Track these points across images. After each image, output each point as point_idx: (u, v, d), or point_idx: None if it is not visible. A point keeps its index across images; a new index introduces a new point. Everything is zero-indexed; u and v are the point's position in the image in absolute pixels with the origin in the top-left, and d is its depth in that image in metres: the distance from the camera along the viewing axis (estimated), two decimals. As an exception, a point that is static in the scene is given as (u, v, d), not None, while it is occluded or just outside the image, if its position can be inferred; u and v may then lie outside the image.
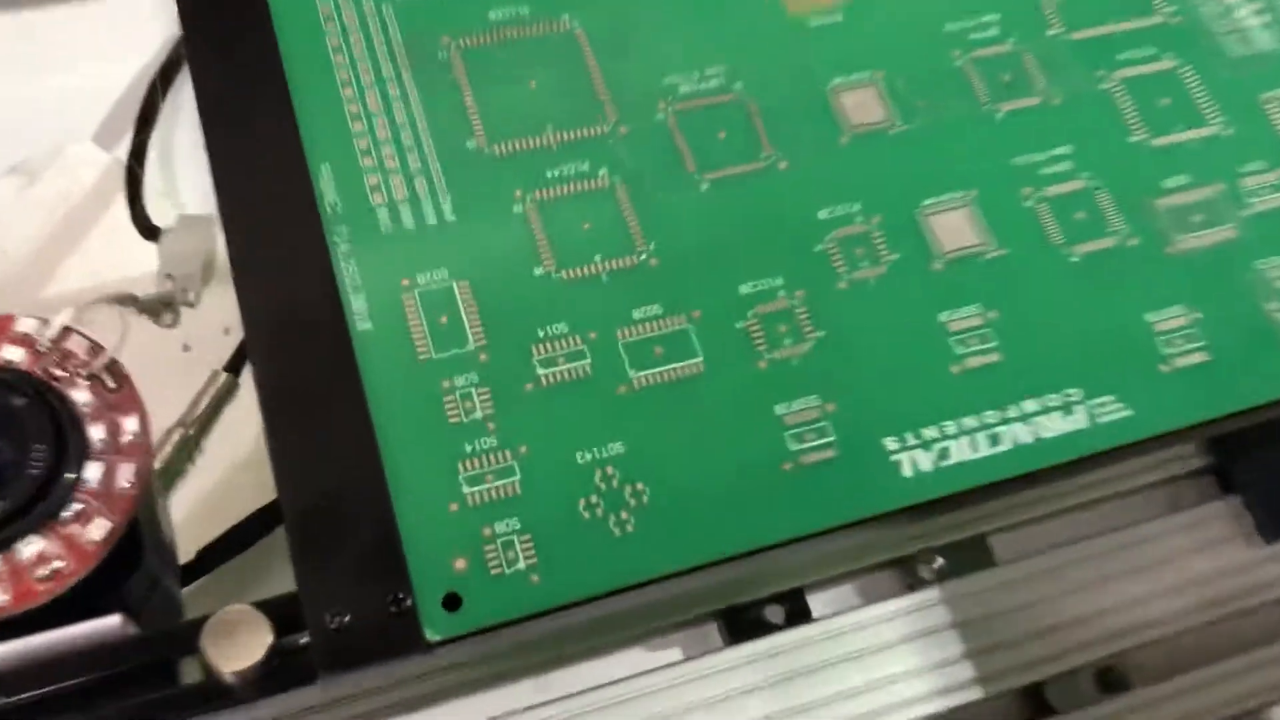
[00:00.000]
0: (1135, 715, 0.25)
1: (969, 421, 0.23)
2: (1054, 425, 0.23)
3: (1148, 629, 0.26)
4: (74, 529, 0.21)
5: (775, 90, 0.25)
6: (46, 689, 0.21)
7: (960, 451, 0.23)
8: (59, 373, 0.23)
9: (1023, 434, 0.23)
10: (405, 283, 0.23)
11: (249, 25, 0.24)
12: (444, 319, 0.22)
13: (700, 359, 0.23)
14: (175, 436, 0.29)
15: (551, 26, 0.26)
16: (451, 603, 0.20)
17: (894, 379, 0.23)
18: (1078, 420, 0.23)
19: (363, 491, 0.21)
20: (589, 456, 0.22)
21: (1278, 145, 0.26)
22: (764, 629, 0.25)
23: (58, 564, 0.21)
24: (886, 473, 0.22)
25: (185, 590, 0.26)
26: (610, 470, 0.22)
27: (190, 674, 0.21)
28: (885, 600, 0.25)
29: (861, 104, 0.25)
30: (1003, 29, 0.27)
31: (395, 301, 0.23)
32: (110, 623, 0.21)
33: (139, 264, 0.31)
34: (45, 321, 0.23)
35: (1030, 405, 0.23)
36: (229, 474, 0.29)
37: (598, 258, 0.23)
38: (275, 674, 0.20)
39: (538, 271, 0.23)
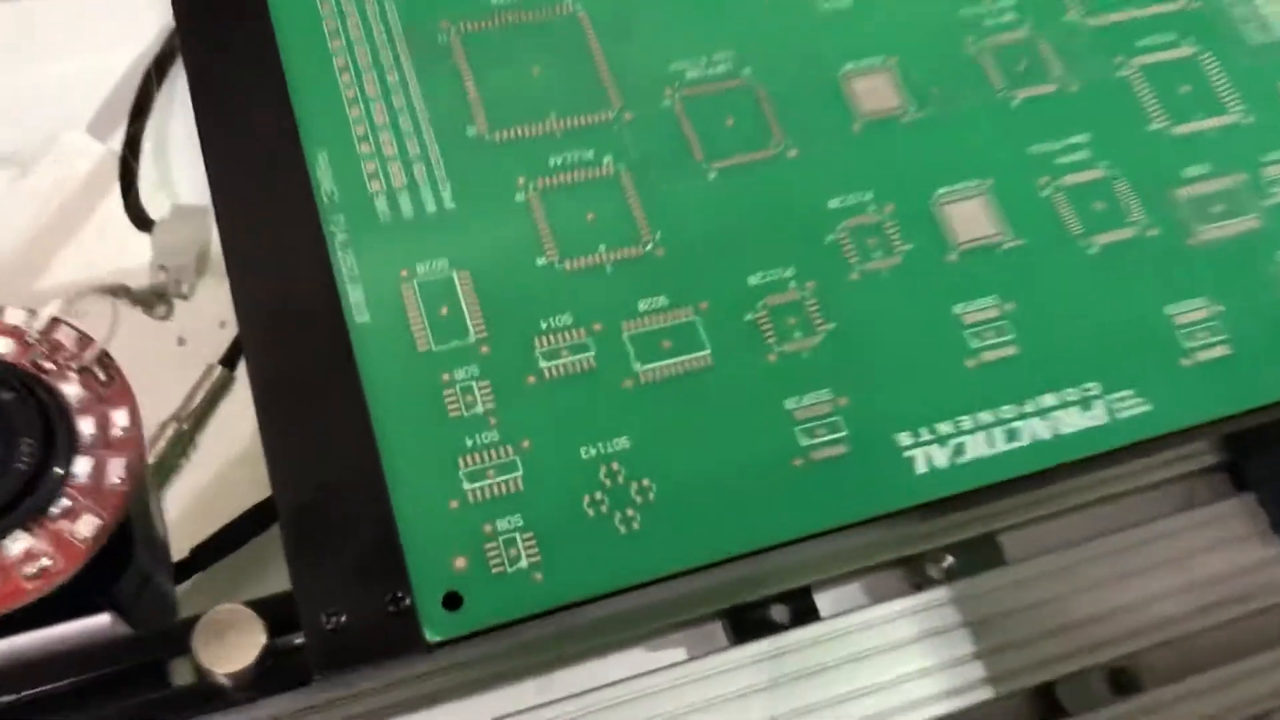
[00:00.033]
0: (1148, 717, 0.25)
1: (985, 416, 0.22)
2: (1072, 420, 0.23)
3: (1160, 629, 0.26)
4: (62, 525, 0.21)
5: (785, 76, 0.25)
6: (34, 690, 0.21)
7: (976, 447, 0.22)
8: (48, 365, 0.22)
9: (1041, 429, 0.23)
10: (404, 273, 0.22)
11: (244, 8, 0.24)
12: (444, 310, 0.22)
13: (708, 352, 0.22)
14: (169, 431, 0.29)
15: (554, 10, 0.25)
16: (452, 602, 0.20)
17: (908, 372, 0.23)
18: (1096, 415, 0.23)
19: (360, 488, 0.21)
20: (593, 452, 0.21)
21: (1300, 134, 0.26)
22: (770, 628, 0.25)
23: (45, 561, 0.21)
24: (900, 469, 0.22)
25: (179, 589, 0.26)
26: (615, 466, 0.21)
27: (182, 675, 0.21)
28: (893, 599, 0.25)
29: (874, 90, 0.25)
30: (1018, 14, 0.26)
31: (394, 292, 0.22)
32: (99, 622, 0.21)
33: (133, 256, 0.31)
34: (33, 313, 0.23)
35: (1048, 400, 0.23)
36: (224, 470, 0.29)
37: (602, 248, 0.23)
38: (269, 675, 0.20)
39: (540, 262, 0.23)
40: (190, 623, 0.20)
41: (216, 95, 0.23)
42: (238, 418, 0.29)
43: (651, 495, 0.21)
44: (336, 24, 0.24)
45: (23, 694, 0.20)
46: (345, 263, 0.22)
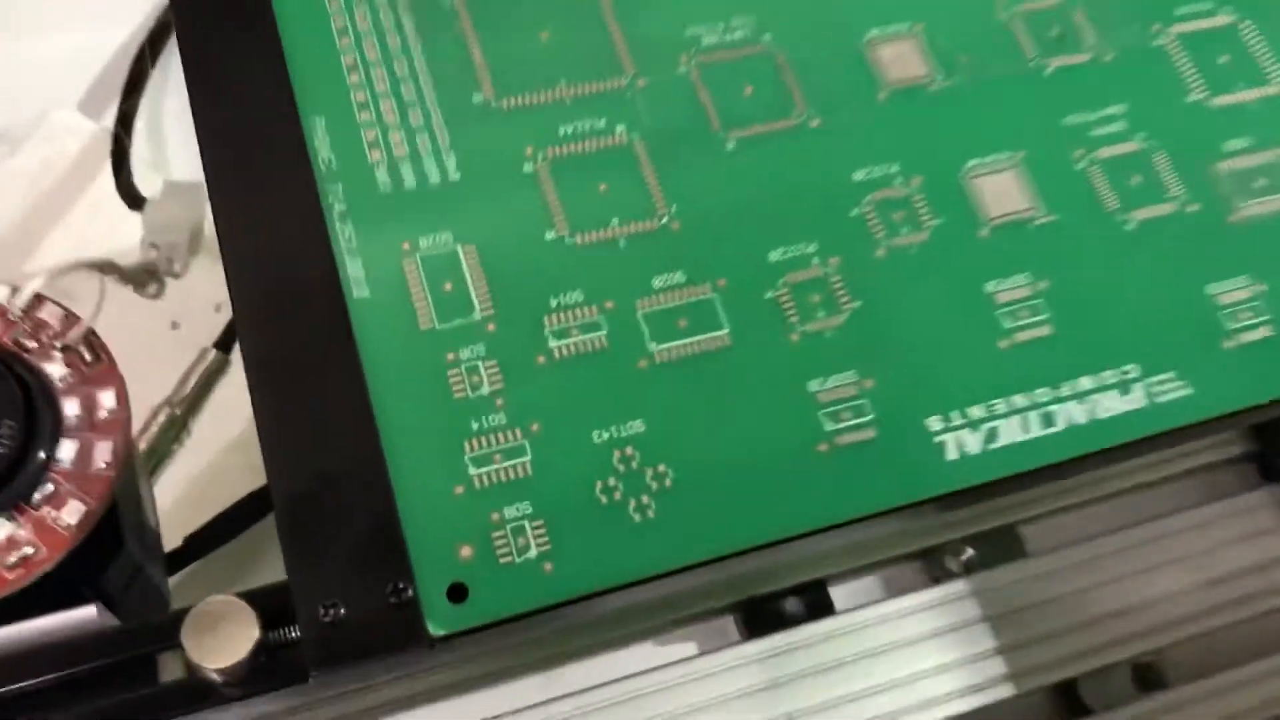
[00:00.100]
0: (1173, 714, 0.24)
1: (1019, 400, 0.22)
2: (1111, 404, 0.22)
3: (1186, 624, 0.25)
4: (46, 512, 0.21)
5: (807, 42, 0.25)
6: (14, 685, 0.20)
7: (1010, 432, 0.22)
8: (30, 344, 0.22)
9: (1077, 413, 0.22)
10: (406, 246, 0.22)
11: (238, -32, 0.23)
12: (448, 286, 0.22)
13: (726, 331, 0.22)
14: (162, 416, 0.29)
15: (565, -28, 0.25)
16: (457, 594, 0.19)
17: (937, 353, 0.22)
18: (1135, 399, 0.22)
19: (360, 473, 0.20)
20: (606, 436, 0.21)
21: (1345, 106, 0.25)
22: (784, 622, 0.24)
23: (28, 550, 0.20)
24: (930, 455, 0.21)
25: (171, 580, 0.26)
26: (629, 451, 0.21)
27: (171, 670, 0.21)
28: (911, 593, 0.25)
29: (900, 58, 0.24)
30: (1050, -22, 0.26)
31: (395, 267, 0.22)
32: (85, 614, 0.21)
33: (125, 236, 0.31)
34: (15, 289, 0.22)
35: (1085, 383, 0.22)
36: (219, 456, 0.29)
37: (615, 221, 0.23)
38: (263, 671, 0.19)
39: (550, 236, 0.22)
40: (181, 615, 0.19)
41: (209, 59, 0.23)
42: (233, 402, 0.29)
43: (667, 481, 0.21)
44: (335, -14, 0.24)
45: (3, 689, 0.20)
46: (344, 235, 0.22)
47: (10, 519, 0.21)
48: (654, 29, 0.24)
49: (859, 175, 0.23)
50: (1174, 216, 0.24)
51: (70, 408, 0.21)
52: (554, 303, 0.22)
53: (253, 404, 0.20)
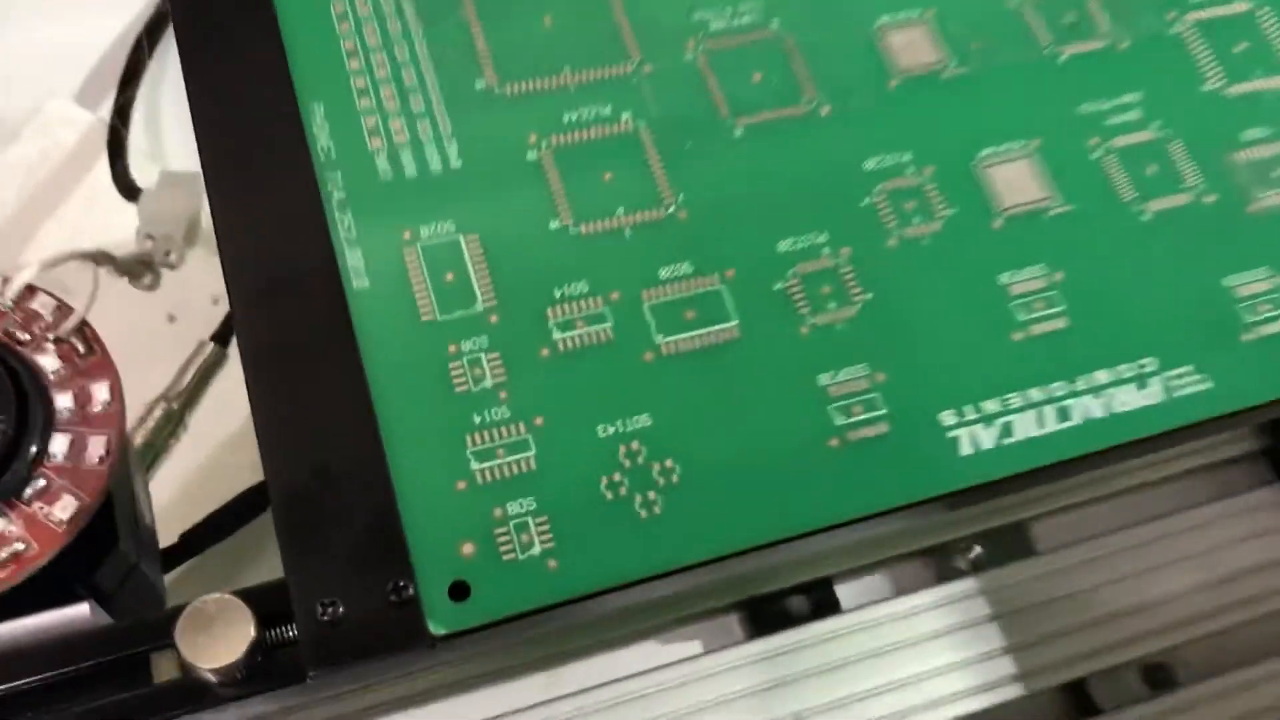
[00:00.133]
0: (1184, 714, 0.24)
1: (1034, 394, 0.22)
2: (1128, 398, 0.22)
3: (1197, 622, 0.25)
4: (38, 507, 0.21)
5: (816, 28, 0.24)
6: (4, 685, 0.20)
7: (1025, 427, 0.21)
8: (22, 335, 0.22)
9: (1094, 408, 0.22)
10: (407, 236, 0.22)
11: (235, -48, 0.23)
12: (450, 276, 0.21)
13: (735, 323, 0.22)
14: (158, 411, 0.28)
15: (568, -44, 0.25)
16: (458, 592, 0.19)
17: (951, 346, 0.22)
18: (1153, 393, 0.22)
19: (359, 468, 0.20)
20: (612, 430, 0.21)
21: (1364, 95, 0.25)
22: (789, 621, 0.24)
23: (19, 546, 0.20)
24: (943, 450, 0.21)
25: (167, 577, 0.26)
26: (635, 445, 0.20)
27: (165, 670, 0.20)
28: (918, 591, 0.25)
29: (911, 44, 0.24)
30: (1063, -35, 0.26)
31: (395, 257, 0.21)
32: (78, 612, 0.21)
33: (121, 228, 0.31)
34: (6, 280, 0.22)
35: (1102, 376, 0.22)
36: (216, 452, 0.29)
37: (620, 210, 0.22)
38: (259, 671, 0.19)
39: (554, 225, 0.22)
40: (175, 614, 0.19)
41: (206, 46, 0.23)
42: (230, 397, 0.28)
43: (675, 477, 0.20)
44: (335, -31, 0.24)
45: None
46: (343, 224, 0.22)
47: (1, 514, 0.20)
48: (660, 14, 0.24)
49: (870, 164, 0.23)
50: (1191, 207, 0.23)
51: (63, 401, 0.21)
52: (558, 294, 0.21)
53: (249, 397, 0.20)
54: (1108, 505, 0.26)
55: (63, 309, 0.22)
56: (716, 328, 0.21)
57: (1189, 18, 0.25)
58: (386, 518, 0.19)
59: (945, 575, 0.25)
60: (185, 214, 0.29)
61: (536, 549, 0.20)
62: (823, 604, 0.25)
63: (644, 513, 0.20)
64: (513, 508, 0.20)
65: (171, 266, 0.27)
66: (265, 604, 0.19)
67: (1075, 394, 0.22)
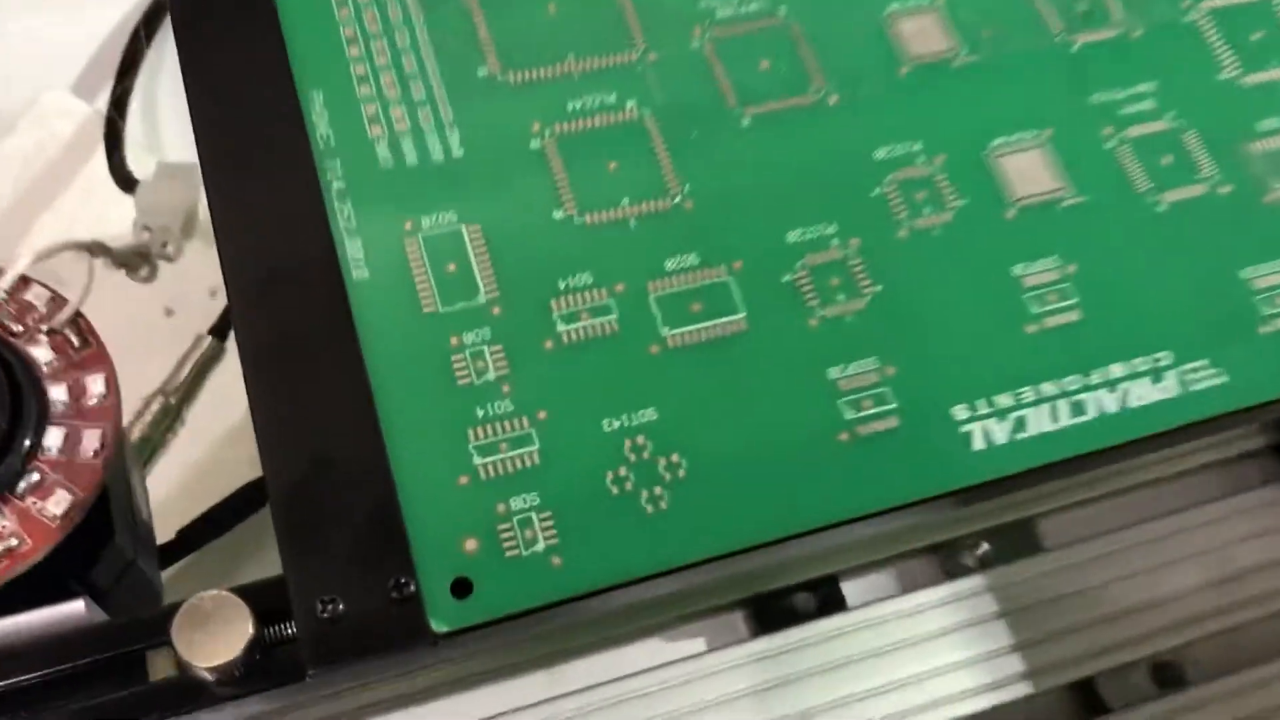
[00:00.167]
0: (1193, 713, 0.24)
1: (1048, 388, 0.21)
2: (1143, 392, 0.21)
3: (1206, 620, 0.25)
4: (31, 502, 0.21)
5: (825, 15, 0.24)
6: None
7: (1039, 421, 0.21)
8: (15, 327, 0.22)
9: (1108, 402, 0.21)
10: (408, 226, 0.21)
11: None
12: (452, 267, 0.21)
13: (742, 315, 0.21)
14: (155, 405, 0.28)
15: (572, -58, 0.24)
16: (461, 589, 0.19)
17: (962, 339, 0.22)
18: (1168, 387, 0.22)
19: (359, 463, 0.20)
20: (617, 424, 0.20)
21: (1382, 84, 0.25)
22: (795, 618, 0.24)
23: (13, 541, 0.20)
24: (955, 445, 0.21)
25: (164, 574, 0.25)
26: (641, 440, 0.20)
27: (162, 668, 0.20)
28: (925, 588, 0.25)
29: (921, 32, 0.24)
30: (1076, -48, 0.25)
31: (396, 247, 0.21)
32: (73, 609, 0.21)
33: (118, 221, 0.31)
34: (0, 271, 0.22)
35: (1116, 370, 0.22)
36: (214, 447, 0.30)
37: (625, 200, 0.22)
38: (258, 669, 0.19)
39: (558, 215, 0.22)
40: (171, 611, 0.19)
41: (203, 33, 0.22)
42: (228, 391, 0.29)
43: (681, 472, 0.20)
44: (334, -45, 0.24)
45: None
46: (342, 213, 0.21)
47: (-6, 510, 0.20)
48: (666, 0, 0.24)
49: (880, 153, 0.23)
50: (1206, 198, 0.23)
51: (57, 393, 0.21)
52: (562, 285, 0.21)
53: (247, 390, 0.20)
54: (1116, 502, 0.26)
55: (57, 300, 0.22)
56: (724, 320, 0.21)
57: (1204, 5, 0.25)
58: (387, 513, 0.19)
59: (952, 572, 0.25)
60: (183, 205, 0.29)
61: (540, 545, 0.19)
62: (829, 601, 0.24)
63: (650, 508, 0.20)
64: (516, 503, 0.20)
65: (168, 258, 0.27)
66: (263, 601, 0.19)
67: (1089, 388, 0.21)
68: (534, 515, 0.20)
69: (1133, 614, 0.25)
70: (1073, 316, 0.22)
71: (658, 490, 0.20)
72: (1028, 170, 0.23)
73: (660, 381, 0.21)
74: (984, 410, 0.21)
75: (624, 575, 0.19)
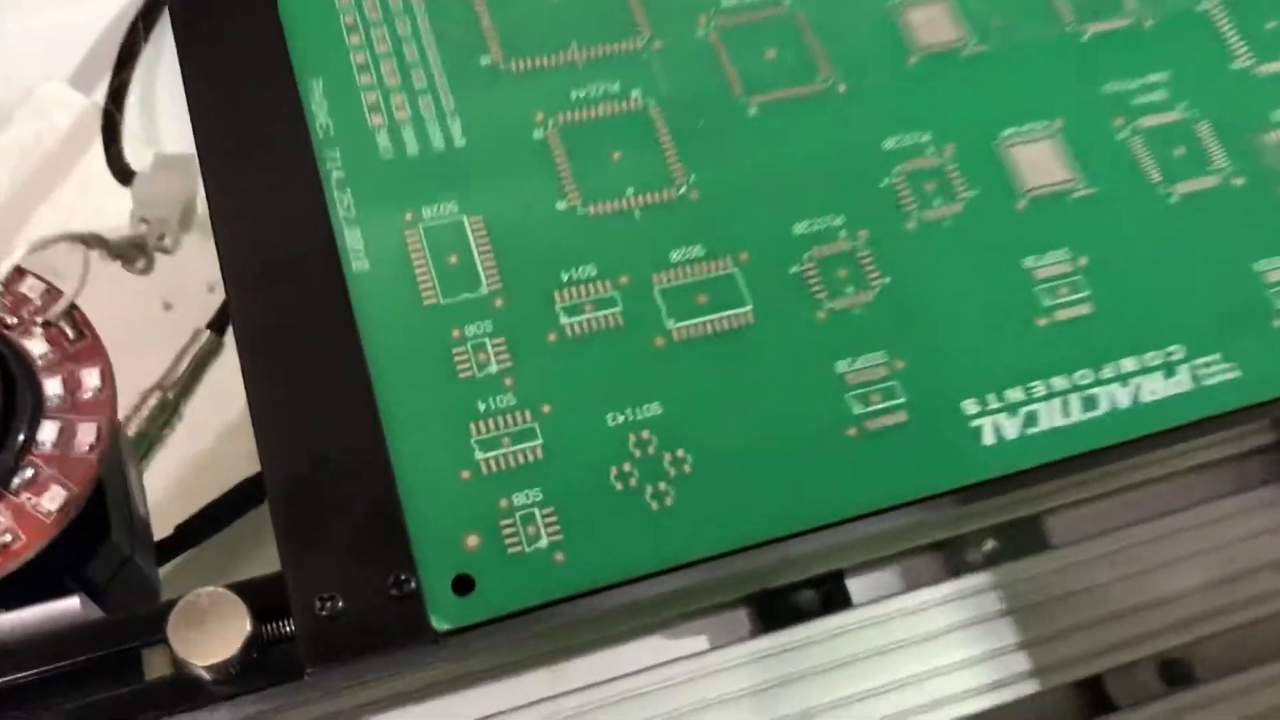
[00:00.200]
0: (1202, 711, 0.24)
1: (1059, 382, 0.21)
2: (1155, 387, 0.21)
3: (1215, 618, 0.25)
4: (25, 498, 0.20)
5: (832, 4, 0.24)
6: None
7: (1050, 416, 0.21)
8: (10, 319, 0.21)
9: (1120, 396, 0.21)
10: (408, 216, 0.21)
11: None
12: (453, 259, 0.21)
13: (749, 308, 0.21)
14: (153, 400, 0.28)
15: (576, -70, 0.24)
16: (462, 586, 0.19)
17: (972, 332, 0.21)
18: (1181, 382, 0.21)
19: (359, 457, 0.19)
20: (621, 418, 0.20)
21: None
22: (798, 615, 0.24)
23: (7, 537, 0.20)
24: (965, 440, 0.21)
25: (162, 570, 0.25)
26: (646, 434, 0.20)
27: (157, 667, 0.20)
28: (930, 585, 0.25)
29: (931, 21, 0.24)
30: (1087, -59, 0.25)
31: (397, 238, 0.21)
32: (68, 605, 0.20)
33: (116, 213, 0.30)
34: None
35: (1128, 364, 0.21)
36: (212, 442, 0.29)
37: (630, 191, 0.22)
38: (255, 668, 0.19)
39: (561, 206, 0.22)
40: (167, 608, 0.19)
41: (201, 17, 0.22)
42: (226, 385, 0.29)
43: (686, 467, 0.20)
44: (334, -58, 0.23)
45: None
46: (342, 204, 0.21)
47: (-12, 505, 0.20)
48: (672, -12, 0.24)
49: (889, 144, 0.23)
50: (1219, 190, 0.23)
51: (52, 387, 0.21)
52: (565, 277, 0.21)
53: (245, 384, 0.20)
54: (1123, 498, 0.26)
55: (52, 292, 0.22)
56: (730, 312, 0.21)
57: (1217, -6, 0.25)
58: (387, 509, 0.19)
59: (958, 569, 0.25)
60: (180, 197, 0.28)
61: (543, 541, 0.19)
62: (833, 598, 0.24)
63: (654, 504, 0.20)
64: (519, 498, 0.19)
65: (166, 250, 0.26)
66: (261, 598, 0.19)
67: (1101, 382, 0.21)
68: (537, 511, 0.19)
69: (1140, 611, 0.25)
70: (1084, 309, 0.22)
71: (662, 486, 0.20)
72: (1038, 161, 0.23)
73: (665, 375, 0.21)
74: (994, 405, 0.21)
75: (628, 572, 0.19)
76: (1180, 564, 0.25)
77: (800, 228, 0.22)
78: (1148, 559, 0.25)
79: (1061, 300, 0.22)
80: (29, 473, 0.20)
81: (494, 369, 0.20)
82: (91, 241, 0.23)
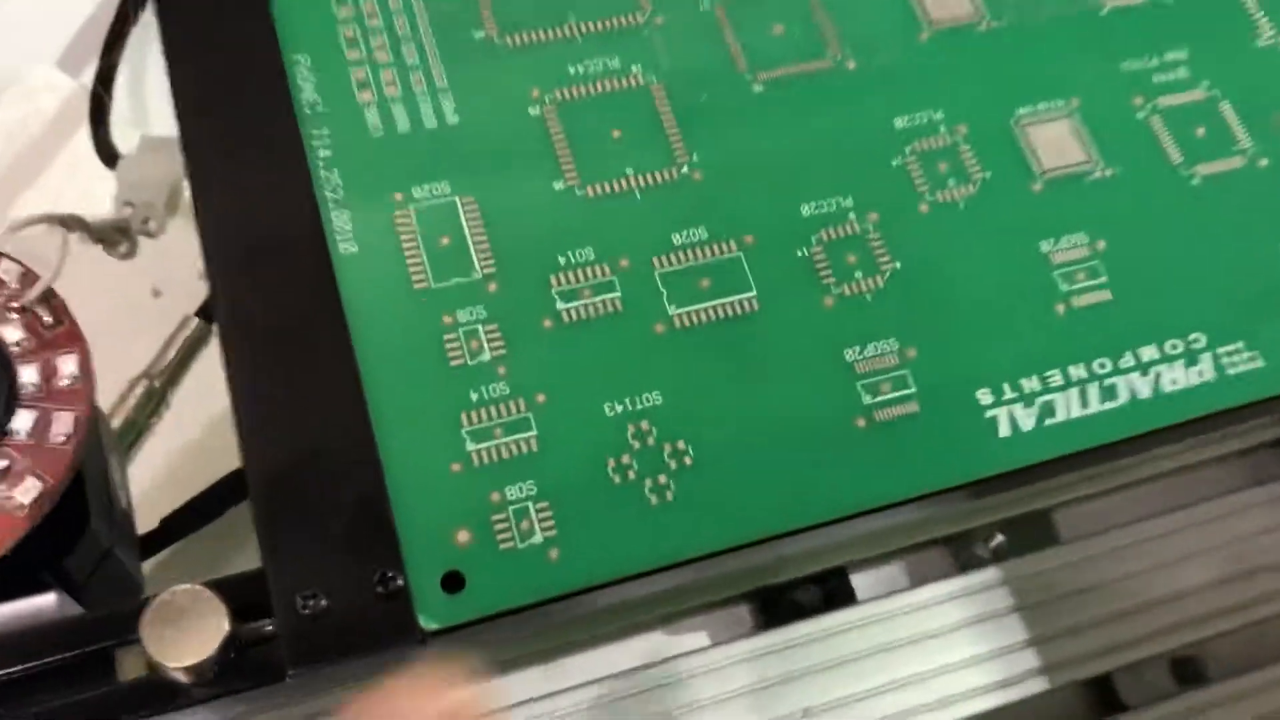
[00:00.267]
0: (1215, 711, 0.24)
1: (1077, 371, 0.21)
2: (1176, 376, 0.21)
3: (1228, 615, 0.24)
4: None
5: None
6: None
7: (1068, 407, 0.21)
8: None
9: (1141, 386, 0.21)
10: (398, 197, 0.21)
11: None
12: (445, 241, 0.21)
13: (754, 293, 0.21)
14: (139, 388, 0.28)
15: (574, -103, 0.24)
16: (452, 583, 0.19)
17: (986, 319, 0.21)
18: (1203, 371, 0.21)
19: (345, 448, 0.19)
20: (620, 408, 0.20)
21: None
22: (801, 612, 0.24)
23: None
24: (979, 432, 0.20)
25: (146, 565, 0.25)
26: (646, 425, 0.20)
27: (132, 668, 0.19)
28: (936, 581, 0.24)
29: None
30: (1105, -87, 0.25)
31: (386, 220, 0.21)
32: (44, 602, 0.20)
33: (104, 197, 0.30)
34: None
35: (1148, 353, 0.21)
36: (200, 432, 0.29)
37: (630, 171, 0.22)
38: (233, 669, 0.18)
39: (558, 186, 0.21)
40: (142, 606, 0.18)
41: None
42: (216, 374, 0.28)
43: (687, 460, 0.20)
44: (322, -88, 0.23)
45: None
46: (329, 184, 0.21)
47: (-41, 497, 0.19)
48: (673, -40, 0.23)
49: (900, 122, 0.22)
50: (1243, 171, 0.23)
51: (27, 375, 0.20)
52: (562, 260, 0.21)
53: (226, 371, 0.19)
54: (1135, 492, 0.26)
55: (28, 276, 0.21)
56: (734, 298, 0.21)
57: (1240, -32, 0.25)
58: (374, 502, 0.19)
59: (965, 564, 0.25)
60: (167, 180, 0.28)
61: (537, 537, 0.19)
62: (837, 594, 0.24)
63: (654, 498, 0.19)
64: (512, 492, 0.19)
65: (150, 234, 0.26)
66: (241, 596, 0.18)
67: (1120, 371, 0.21)
68: (530, 505, 0.19)
69: (1151, 608, 0.24)
70: (1102, 296, 0.22)
71: (662, 479, 0.20)
72: (1055, 141, 0.22)
73: (666, 363, 0.20)
74: (1009, 395, 0.21)
75: (625, 570, 0.19)
76: (1192, 560, 0.25)
77: (807, 210, 0.22)
78: (1159, 555, 0.25)
79: (1079, 286, 0.22)
80: (2, 464, 0.20)
81: (487, 356, 0.20)
82: (71, 224, 0.23)
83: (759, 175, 0.22)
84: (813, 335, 0.21)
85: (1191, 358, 0.21)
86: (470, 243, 0.21)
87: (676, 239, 0.21)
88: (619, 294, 0.21)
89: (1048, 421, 0.20)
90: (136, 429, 0.27)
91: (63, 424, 0.20)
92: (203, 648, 0.17)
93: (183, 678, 0.18)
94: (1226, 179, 0.23)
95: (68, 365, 0.21)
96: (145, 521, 0.25)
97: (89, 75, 0.32)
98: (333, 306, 0.20)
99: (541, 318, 0.20)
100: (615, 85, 0.22)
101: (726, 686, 0.23)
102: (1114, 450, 0.21)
